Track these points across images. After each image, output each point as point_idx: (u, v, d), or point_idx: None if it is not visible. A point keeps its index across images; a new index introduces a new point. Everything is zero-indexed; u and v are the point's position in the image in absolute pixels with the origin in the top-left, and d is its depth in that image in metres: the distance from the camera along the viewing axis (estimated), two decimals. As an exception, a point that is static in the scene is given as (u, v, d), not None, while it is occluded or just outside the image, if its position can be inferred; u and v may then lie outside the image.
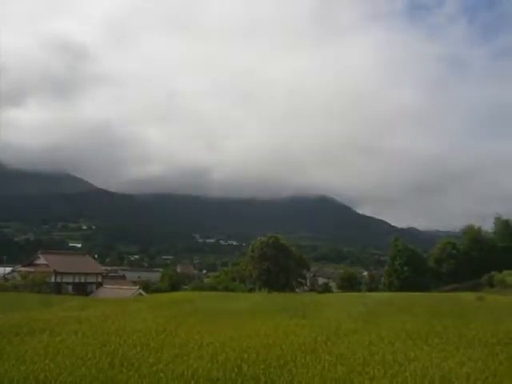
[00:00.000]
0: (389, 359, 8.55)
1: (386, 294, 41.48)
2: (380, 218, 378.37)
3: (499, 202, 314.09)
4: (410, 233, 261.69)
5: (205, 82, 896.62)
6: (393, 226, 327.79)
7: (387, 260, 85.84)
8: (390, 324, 14.35)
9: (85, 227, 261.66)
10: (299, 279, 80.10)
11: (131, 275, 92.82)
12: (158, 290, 60.06)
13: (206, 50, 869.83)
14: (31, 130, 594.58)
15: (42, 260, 64.05)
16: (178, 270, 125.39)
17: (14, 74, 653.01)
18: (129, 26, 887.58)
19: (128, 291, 54.32)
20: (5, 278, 64.22)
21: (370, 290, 74.08)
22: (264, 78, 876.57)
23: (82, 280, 64.46)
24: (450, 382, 7.07)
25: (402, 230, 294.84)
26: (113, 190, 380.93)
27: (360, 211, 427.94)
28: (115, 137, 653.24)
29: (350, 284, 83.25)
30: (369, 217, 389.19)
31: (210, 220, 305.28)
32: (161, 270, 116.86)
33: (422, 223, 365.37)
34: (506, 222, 76.78)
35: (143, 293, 54.21)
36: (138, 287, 59.09)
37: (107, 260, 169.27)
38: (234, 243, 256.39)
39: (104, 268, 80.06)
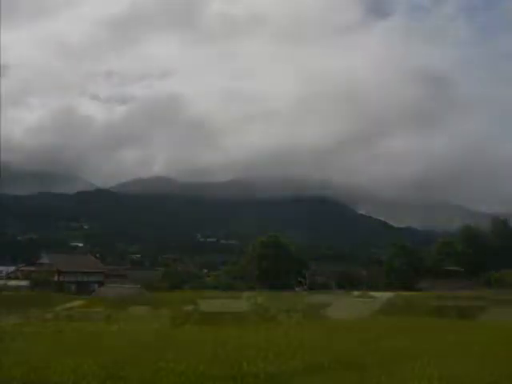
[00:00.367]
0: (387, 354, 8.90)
1: (386, 294, 41.69)
2: (379, 217, 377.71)
3: (496, 203, 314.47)
4: (409, 232, 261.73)
5: (205, 82, 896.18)
6: (392, 226, 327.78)
7: (386, 259, 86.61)
8: (390, 324, 14.63)
9: (86, 226, 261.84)
10: (299, 278, 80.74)
11: (133, 274, 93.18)
12: (160, 289, 60.64)
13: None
14: (31, 130, 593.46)
15: (45, 259, 64.81)
16: (179, 269, 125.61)
17: (13, 73, 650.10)
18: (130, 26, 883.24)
19: (130, 290, 55.00)
20: (8, 277, 64.91)
21: (370, 288, 74.66)
22: (264, 78, 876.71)
23: (85, 279, 65.16)
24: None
25: (400, 229, 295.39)
26: (114, 189, 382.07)
27: (359, 211, 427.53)
28: (116, 137, 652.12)
29: (349, 283, 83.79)
30: (368, 216, 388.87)
31: (211, 220, 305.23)
32: (162, 269, 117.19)
33: (420, 223, 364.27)
34: (504, 222, 77.50)
35: (145, 291, 54.88)
36: (139, 286, 59.72)
37: (109, 259, 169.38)
38: (235, 243, 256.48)
39: (106, 267, 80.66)
